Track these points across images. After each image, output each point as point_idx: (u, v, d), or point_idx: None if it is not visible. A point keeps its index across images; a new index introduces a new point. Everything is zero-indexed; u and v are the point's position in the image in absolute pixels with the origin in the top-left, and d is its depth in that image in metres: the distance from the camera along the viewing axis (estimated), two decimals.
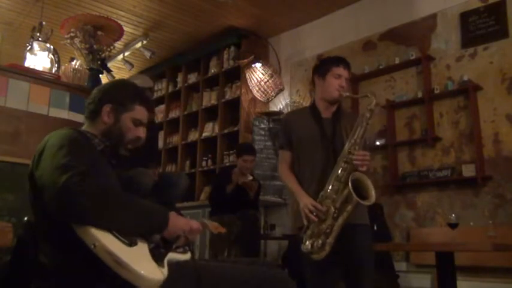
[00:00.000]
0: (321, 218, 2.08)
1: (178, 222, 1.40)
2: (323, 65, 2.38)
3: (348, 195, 2.05)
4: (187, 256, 1.45)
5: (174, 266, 1.34)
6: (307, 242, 2.09)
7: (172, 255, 1.37)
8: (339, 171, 2.11)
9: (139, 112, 1.58)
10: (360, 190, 2.06)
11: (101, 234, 1.21)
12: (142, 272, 1.19)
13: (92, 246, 1.18)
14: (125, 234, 1.25)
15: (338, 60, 2.35)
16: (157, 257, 1.30)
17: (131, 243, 1.25)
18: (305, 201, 2.15)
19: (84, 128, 1.58)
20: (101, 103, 1.54)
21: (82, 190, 1.21)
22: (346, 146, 2.14)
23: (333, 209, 2.07)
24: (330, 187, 2.11)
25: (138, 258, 1.23)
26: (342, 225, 2.07)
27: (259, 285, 1.44)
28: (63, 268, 1.29)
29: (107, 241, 1.20)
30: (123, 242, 1.24)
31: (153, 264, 1.27)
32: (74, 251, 1.23)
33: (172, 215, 1.39)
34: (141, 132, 1.58)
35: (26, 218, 1.43)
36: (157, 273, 1.25)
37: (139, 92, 1.63)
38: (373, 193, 2.06)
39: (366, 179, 2.09)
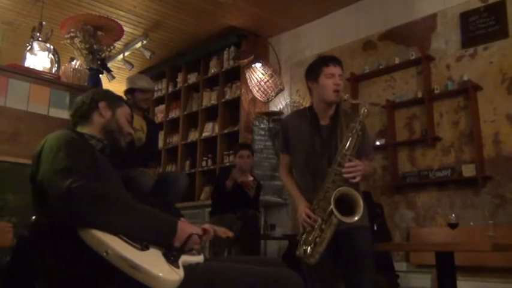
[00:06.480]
0: (313, 227, 2.08)
1: (187, 229, 1.37)
2: (313, 69, 2.31)
3: (331, 213, 2.01)
4: (200, 258, 1.43)
5: (184, 270, 1.31)
6: (301, 248, 2.09)
7: (185, 258, 1.35)
8: (329, 184, 2.08)
9: (129, 110, 1.71)
10: (348, 204, 2.01)
11: (111, 241, 1.19)
12: (160, 274, 1.18)
13: (105, 254, 1.17)
14: (134, 240, 1.24)
15: (327, 60, 2.27)
16: (172, 259, 1.28)
17: (143, 248, 1.24)
18: (301, 208, 2.16)
19: (78, 130, 1.59)
20: (95, 101, 1.63)
21: (85, 194, 1.22)
22: (337, 158, 2.09)
23: (320, 221, 2.06)
24: (321, 198, 2.09)
25: (152, 261, 1.21)
26: (330, 237, 2.04)
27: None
28: (70, 269, 1.28)
29: (119, 247, 1.19)
30: (135, 247, 1.23)
31: (169, 266, 1.25)
32: (80, 253, 1.22)
33: (181, 223, 1.37)
34: (131, 129, 1.69)
35: (33, 218, 1.42)
36: (174, 274, 1.23)
37: (120, 96, 1.77)
38: (360, 209, 1.99)
39: (353, 193, 2.02)
